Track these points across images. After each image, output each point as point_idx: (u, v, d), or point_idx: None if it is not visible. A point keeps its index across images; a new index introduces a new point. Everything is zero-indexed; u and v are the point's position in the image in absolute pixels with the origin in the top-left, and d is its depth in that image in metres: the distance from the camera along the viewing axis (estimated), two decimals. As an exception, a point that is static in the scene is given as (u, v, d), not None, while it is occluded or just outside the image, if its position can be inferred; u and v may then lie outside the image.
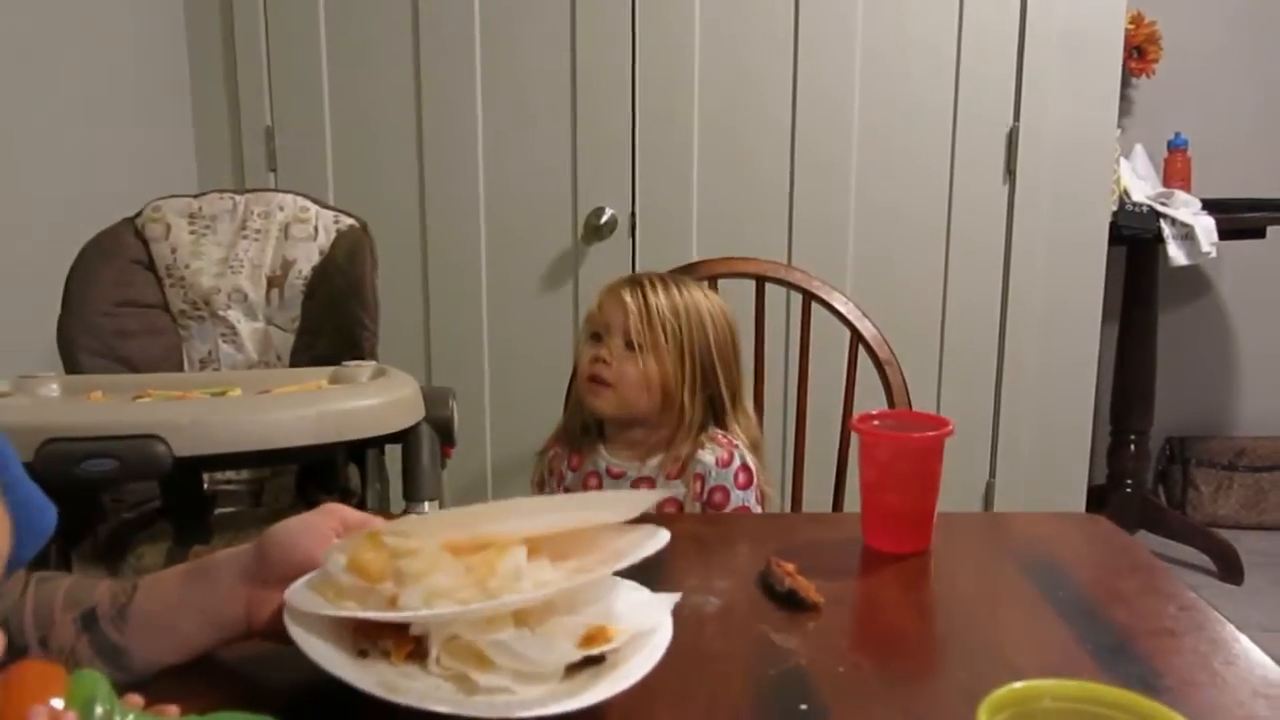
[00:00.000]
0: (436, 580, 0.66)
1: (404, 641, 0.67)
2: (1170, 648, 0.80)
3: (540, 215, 2.37)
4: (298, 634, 0.66)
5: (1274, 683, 0.74)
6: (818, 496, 1.66)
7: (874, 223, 2.34)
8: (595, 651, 0.66)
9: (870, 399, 1.52)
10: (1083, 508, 2.45)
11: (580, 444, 1.44)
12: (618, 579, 0.75)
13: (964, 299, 2.37)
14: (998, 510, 2.39)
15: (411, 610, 0.65)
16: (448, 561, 0.68)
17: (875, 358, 1.58)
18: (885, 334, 1.60)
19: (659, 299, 1.36)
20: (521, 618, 0.68)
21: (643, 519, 0.78)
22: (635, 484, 1.38)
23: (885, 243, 2.35)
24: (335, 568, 0.69)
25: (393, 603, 0.66)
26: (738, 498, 1.36)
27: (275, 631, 0.71)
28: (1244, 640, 0.81)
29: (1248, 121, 3.06)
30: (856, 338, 1.59)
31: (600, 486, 1.40)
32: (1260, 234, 2.80)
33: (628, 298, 1.37)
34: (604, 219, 2.32)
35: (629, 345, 1.36)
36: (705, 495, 1.35)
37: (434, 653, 0.66)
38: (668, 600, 0.75)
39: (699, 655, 0.77)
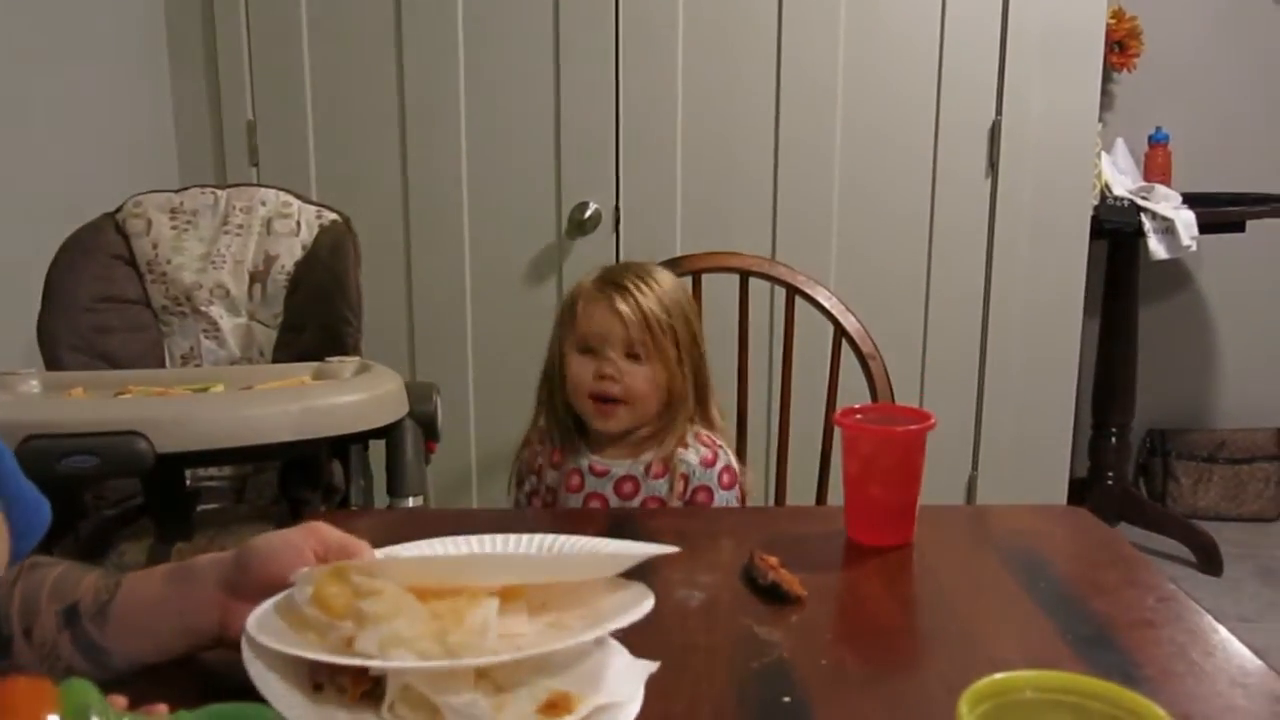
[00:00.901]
0: (396, 626, 0.64)
1: (360, 681, 0.65)
2: (1150, 639, 0.81)
3: (524, 210, 2.36)
4: (250, 661, 0.65)
5: (1251, 673, 0.75)
6: (801, 490, 1.67)
7: (857, 217, 2.35)
8: None
9: (853, 393, 1.52)
10: (1064, 500, 2.47)
11: (561, 441, 1.42)
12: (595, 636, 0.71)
13: (947, 293, 2.38)
14: (980, 503, 2.40)
15: (365, 655, 0.63)
16: (412, 607, 0.66)
17: (859, 352, 1.58)
18: (868, 328, 1.61)
19: (649, 300, 1.31)
20: (484, 671, 0.65)
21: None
22: (619, 484, 1.37)
23: (869, 237, 2.36)
24: (301, 598, 0.68)
25: (350, 643, 0.64)
26: (721, 498, 1.36)
27: None
28: (1222, 631, 0.82)
29: (1228, 116, 3.08)
30: (840, 332, 1.60)
31: (582, 485, 1.39)
32: (1240, 228, 2.82)
33: (622, 306, 1.31)
34: (588, 214, 2.31)
35: (630, 356, 1.32)
36: (689, 495, 1.35)
37: (389, 699, 0.64)
38: (644, 669, 0.71)
39: (682, 649, 0.78)
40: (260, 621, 0.68)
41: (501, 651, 0.65)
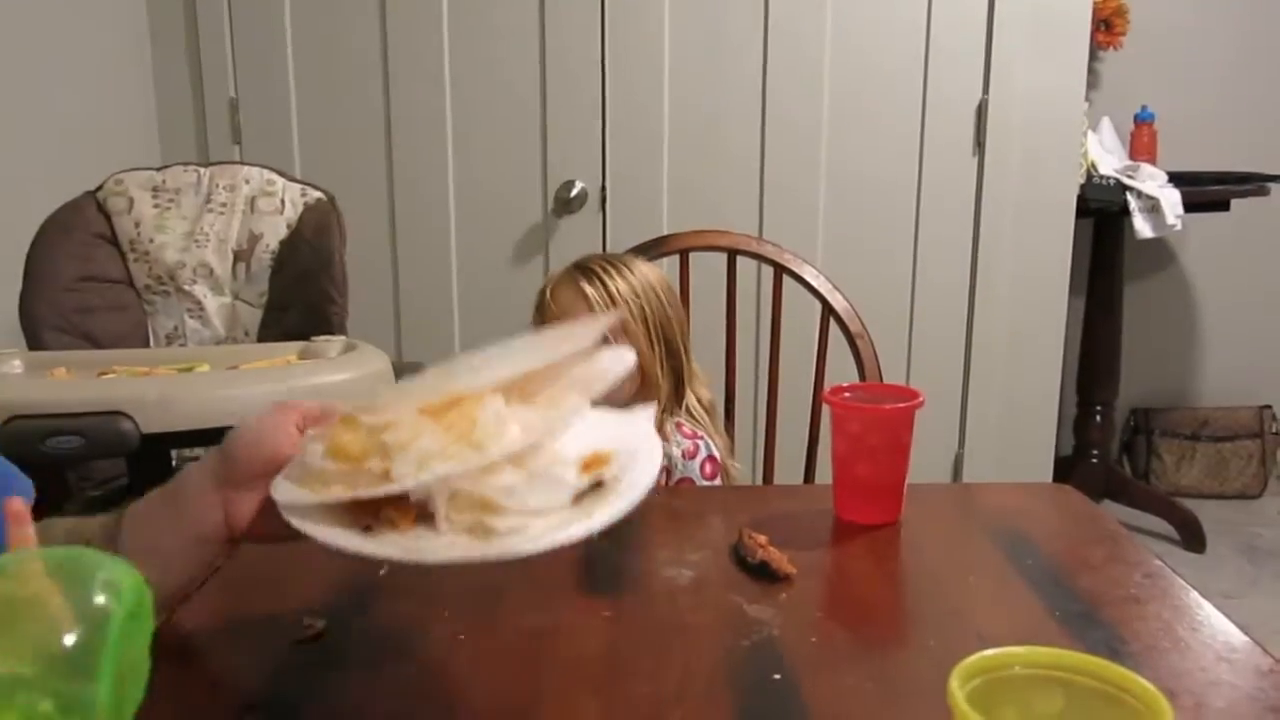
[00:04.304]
0: (424, 444, 0.66)
1: (406, 509, 0.66)
2: (1136, 614, 0.81)
3: (510, 188, 2.35)
4: (305, 527, 0.65)
5: (1236, 648, 0.75)
6: (789, 468, 1.67)
7: (845, 196, 2.35)
8: (604, 475, 0.67)
9: (841, 371, 1.52)
10: (1050, 478, 2.48)
11: None
12: (588, 409, 0.72)
13: (934, 271, 2.38)
14: (967, 481, 2.42)
15: (408, 477, 0.64)
16: (428, 425, 0.67)
17: (846, 330, 1.58)
18: (856, 306, 1.61)
19: (616, 282, 1.33)
20: (517, 460, 0.67)
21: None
22: None
23: (856, 216, 2.36)
24: (314, 458, 0.68)
25: (385, 476, 0.65)
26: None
27: (256, 533, 0.71)
28: (1207, 607, 0.82)
29: (1214, 95, 3.08)
30: (828, 310, 1.60)
31: None
32: (1225, 207, 2.83)
33: (586, 287, 1.32)
34: (574, 192, 2.30)
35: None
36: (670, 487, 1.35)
37: (442, 511, 0.65)
38: (645, 414, 0.73)
39: (672, 627, 0.78)
40: (286, 495, 0.68)
41: (519, 436, 0.67)
